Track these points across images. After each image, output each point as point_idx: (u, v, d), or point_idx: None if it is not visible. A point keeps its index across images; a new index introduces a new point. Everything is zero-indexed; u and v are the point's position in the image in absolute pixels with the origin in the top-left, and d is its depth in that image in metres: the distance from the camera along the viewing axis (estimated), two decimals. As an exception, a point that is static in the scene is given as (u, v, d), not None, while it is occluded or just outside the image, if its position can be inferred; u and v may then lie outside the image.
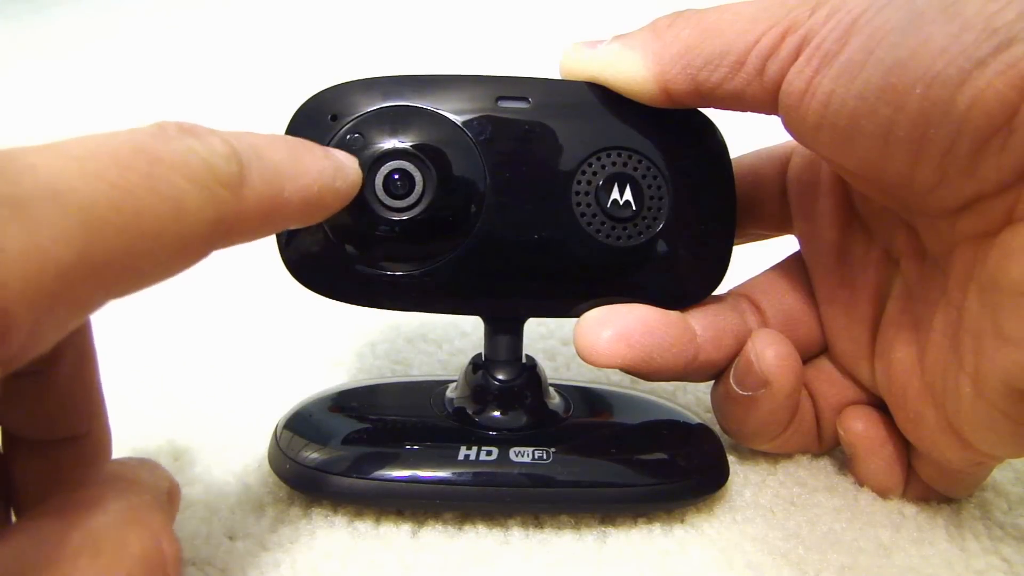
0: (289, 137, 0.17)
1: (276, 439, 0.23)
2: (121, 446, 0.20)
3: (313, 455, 0.22)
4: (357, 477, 0.22)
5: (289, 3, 0.94)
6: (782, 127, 0.21)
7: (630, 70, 0.21)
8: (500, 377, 0.24)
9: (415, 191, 0.22)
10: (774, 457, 0.26)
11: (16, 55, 0.78)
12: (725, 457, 0.24)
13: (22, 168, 0.12)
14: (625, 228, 0.23)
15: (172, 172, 0.13)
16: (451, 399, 0.25)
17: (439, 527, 0.23)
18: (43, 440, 0.18)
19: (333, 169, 0.18)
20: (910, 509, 0.24)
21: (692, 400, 0.29)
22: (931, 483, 0.23)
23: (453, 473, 0.22)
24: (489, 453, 0.22)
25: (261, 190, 0.15)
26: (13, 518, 0.19)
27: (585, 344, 0.22)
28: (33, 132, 0.51)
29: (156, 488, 0.16)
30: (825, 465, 0.25)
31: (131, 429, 0.24)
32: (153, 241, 0.13)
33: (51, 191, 0.12)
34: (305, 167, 0.17)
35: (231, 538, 0.22)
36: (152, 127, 0.14)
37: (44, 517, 0.14)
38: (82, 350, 0.18)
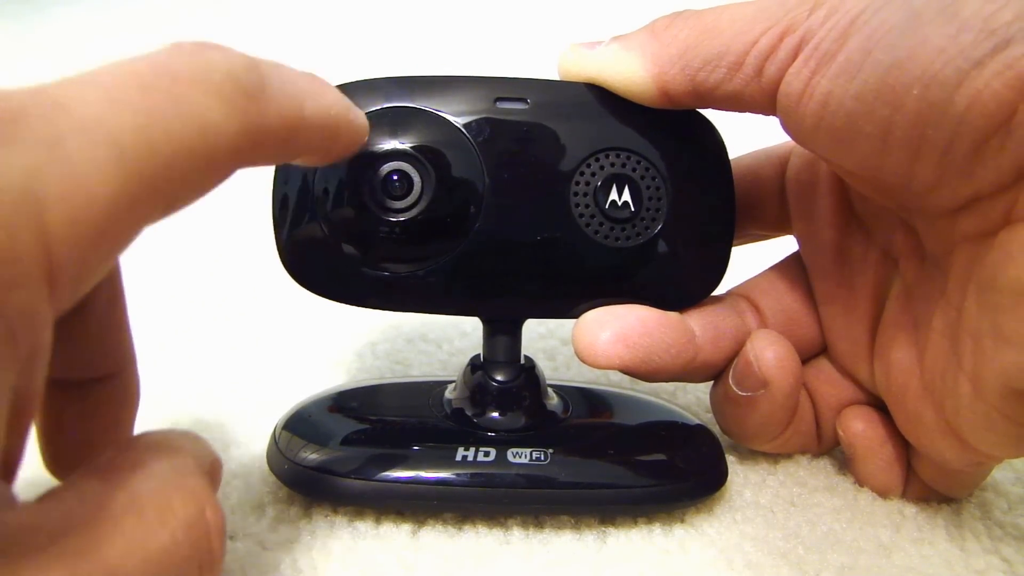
0: (303, 71, 0.17)
1: (275, 440, 0.23)
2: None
3: (311, 456, 0.22)
4: (355, 478, 0.22)
5: (289, 3, 0.94)
6: (780, 127, 0.21)
7: (628, 71, 0.21)
8: (498, 378, 0.24)
9: (414, 192, 0.22)
10: (774, 457, 0.26)
11: (16, 55, 0.78)
12: (724, 458, 0.24)
13: (53, 105, 0.12)
14: (624, 229, 0.23)
15: (194, 88, 0.13)
16: (449, 400, 0.25)
17: (439, 527, 0.23)
18: (78, 380, 0.18)
19: (347, 102, 0.17)
20: (910, 509, 0.24)
21: (692, 400, 0.29)
22: (931, 483, 0.23)
23: (451, 474, 0.22)
24: (487, 454, 0.22)
25: (283, 102, 0.15)
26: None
27: (584, 345, 0.22)
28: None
29: (200, 456, 0.16)
30: (825, 465, 0.25)
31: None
32: (183, 161, 0.13)
33: (81, 126, 0.12)
34: (323, 89, 0.17)
35: (231, 538, 0.22)
36: (169, 46, 0.14)
37: (90, 477, 0.14)
38: (114, 289, 0.18)
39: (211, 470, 0.17)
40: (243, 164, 0.15)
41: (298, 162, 0.18)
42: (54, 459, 0.19)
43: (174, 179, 0.13)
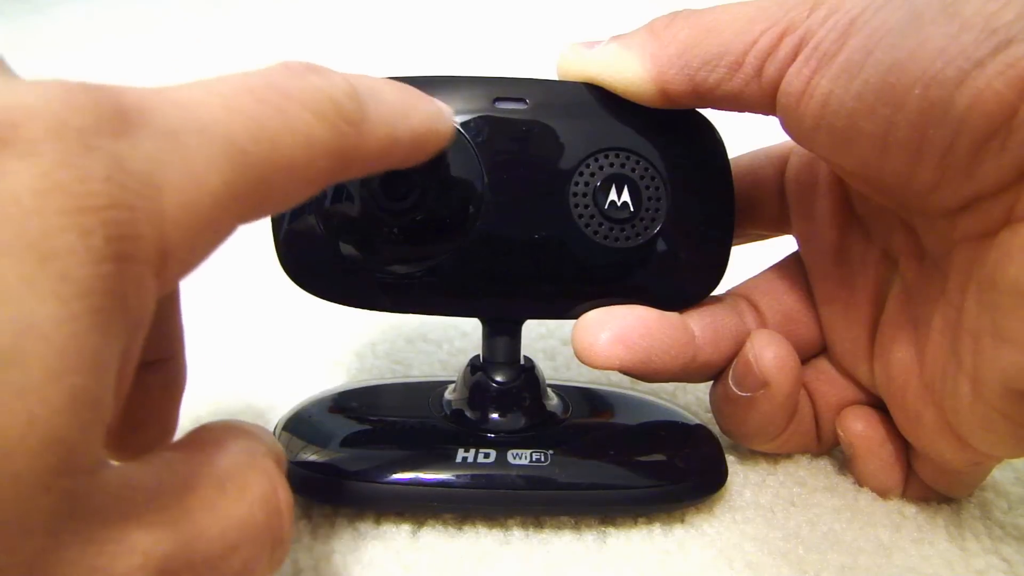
0: (396, 82, 0.18)
1: (275, 441, 0.23)
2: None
3: (311, 457, 0.22)
4: (354, 480, 0.22)
5: (289, 3, 0.94)
6: (780, 127, 0.21)
7: (628, 71, 0.21)
8: (498, 379, 0.24)
9: (412, 192, 0.22)
10: (774, 457, 0.26)
11: (16, 55, 0.78)
12: (724, 459, 0.24)
13: (174, 104, 0.13)
14: (623, 229, 0.23)
15: (302, 107, 0.14)
16: (449, 401, 0.25)
17: (439, 527, 0.23)
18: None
19: (436, 112, 0.18)
20: (910, 509, 0.24)
21: (692, 400, 0.29)
22: (931, 483, 0.23)
23: (451, 476, 0.22)
24: (487, 455, 0.22)
25: (378, 128, 0.16)
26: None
27: (583, 346, 0.22)
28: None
29: (270, 443, 0.17)
30: (825, 465, 0.25)
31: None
32: (285, 170, 0.14)
33: (199, 124, 0.13)
34: (414, 108, 0.17)
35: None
36: (279, 66, 0.15)
37: (174, 451, 0.15)
38: None
39: (278, 457, 0.17)
40: (337, 179, 0.16)
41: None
42: (109, 437, 0.19)
43: (275, 184, 0.14)
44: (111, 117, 0.12)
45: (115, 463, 0.13)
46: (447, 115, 0.18)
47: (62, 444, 0.11)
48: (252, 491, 0.15)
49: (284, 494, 0.16)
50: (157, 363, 0.19)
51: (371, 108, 0.16)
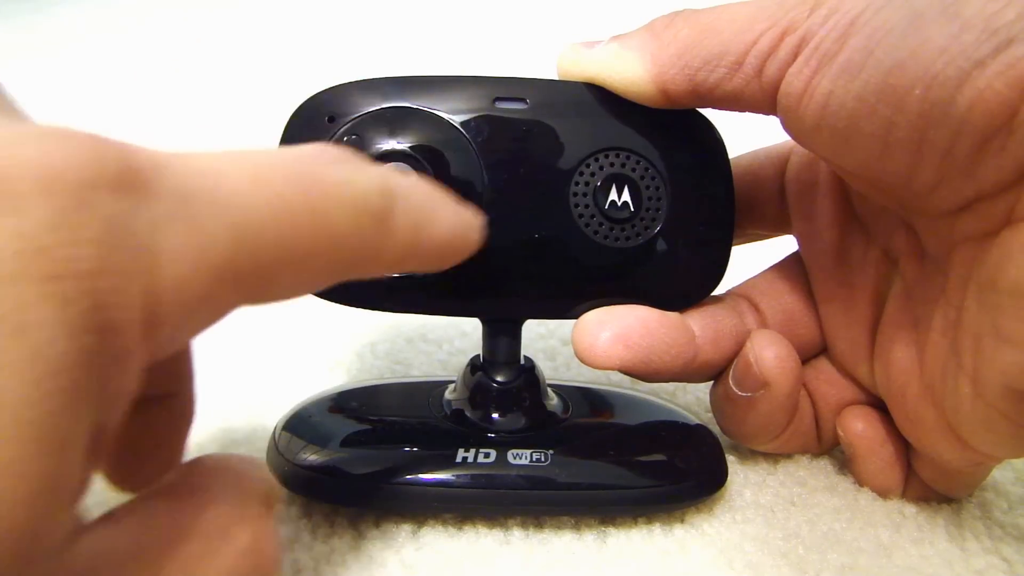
0: (427, 183, 0.17)
1: (275, 441, 0.23)
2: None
3: (311, 457, 0.22)
4: (354, 480, 0.22)
5: (289, 3, 0.94)
6: (780, 127, 0.21)
7: (628, 71, 0.21)
8: (498, 379, 0.24)
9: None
10: (774, 457, 0.26)
11: (16, 55, 0.78)
12: (724, 459, 0.24)
13: (190, 168, 0.12)
14: (623, 229, 0.23)
15: (328, 196, 0.14)
16: (449, 401, 0.25)
17: (439, 527, 0.23)
18: (143, 396, 0.18)
19: (465, 219, 0.18)
20: (910, 509, 0.24)
21: (692, 400, 0.29)
22: (931, 483, 0.23)
23: (451, 476, 0.22)
24: (487, 455, 0.22)
25: (405, 229, 0.15)
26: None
27: (583, 346, 0.22)
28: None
29: (260, 482, 0.16)
30: (825, 465, 0.25)
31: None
32: (299, 257, 0.13)
33: (216, 194, 0.12)
34: (443, 214, 0.17)
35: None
36: (313, 149, 0.15)
37: (156, 499, 0.14)
38: None
39: (267, 498, 0.17)
40: (354, 275, 0.15)
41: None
42: (112, 470, 0.19)
43: (286, 269, 0.13)
44: (116, 173, 0.11)
45: (90, 531, 0.13)
46: (476, 222, 0.18)
47: (25, 534, 0.10)
48: (236, 543, 0.14)
49: (270, 544, 0.15)
50: (164, 397, 0.19)
51: (399, 207, 0.15)
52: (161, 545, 0.13)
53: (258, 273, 0.13)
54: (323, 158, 0.15)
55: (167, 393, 0.19)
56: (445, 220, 0.17)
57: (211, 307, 0.13)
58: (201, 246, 0.12)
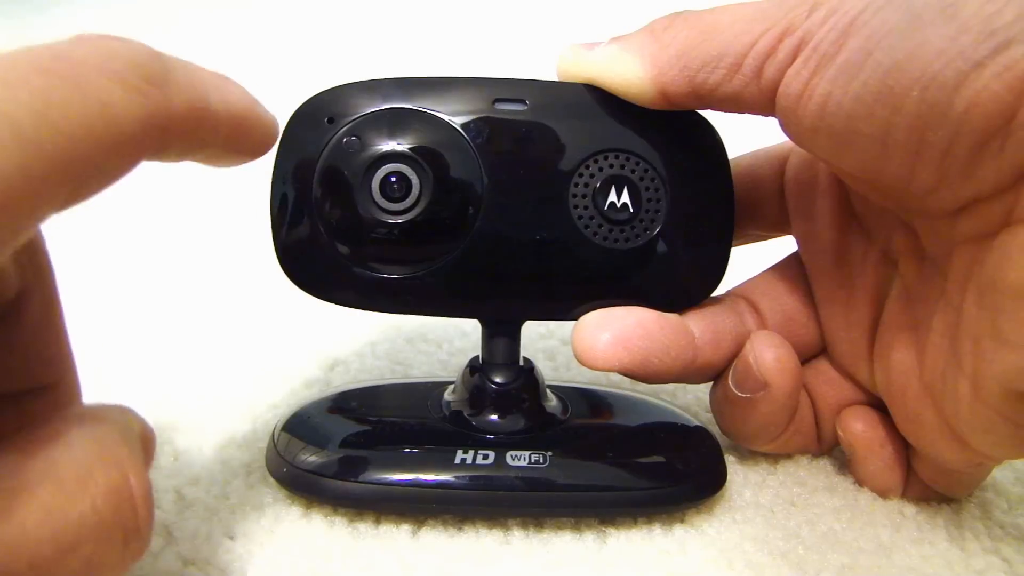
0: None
1: (273, 442, 0.23)
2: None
3: (310, 458, 0.22)
4: (352, 481, 0.22)
5: (289, 4, 0.94)
6: (780, 128, 0.21)
7: (627, 72, 0.21)
8: (497, 380, 0.24)
9: (412, 194, 0.22)
10: (774, 457, 0.26)
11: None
12: (723, 460, 0.24)
13: None
14: (623, 231, 0.23)
15: (95, 72, 0.13)
16: (448, 402, 0.25)
17: (439, 527, 0.23)
18: (12, 391, 0.18)
19: (254, 99, 0.18)
20: (910, 509, 0.24)
21: (692, 400, 0.29)
22: (931, 483, 0.23)
23: (450, 477, 0.22)
24: (486, 457, 0.22)
25: (188, 92, 0.15)
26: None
27: (583, 347, 0.22)
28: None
29: (125, 426, 0.16)
30: (825, 465, 0.25)
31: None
32: (85, 143, 0.13)
33: None
34: (228, 85, 0.17)
35: (231, 538, 0.22)
36: (72, 37, 0.14)
37: (4, 452, 0.14)
38: (47, 297, 0.18)
39: (142, 441, 0.16)
40: (149, 151, 0.15)
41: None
42: None
43: (76, 161, 0.13)
44: None
45: None
46: (268, 108, 0.18)
47: None
48: (96, 482, 0.14)
49: (137, 482, 0.15)
50: (38, 390, 0.18)
51: (178, 71, 0.15)
52: (12, 490, 0.13)
53: (52, 169, 0.12)
54: (82, 42, 0.14)
55: (43, 385, 0.18)
56: (231, 91, 0.17)
57: (14, 216, 0.12)
58: None
